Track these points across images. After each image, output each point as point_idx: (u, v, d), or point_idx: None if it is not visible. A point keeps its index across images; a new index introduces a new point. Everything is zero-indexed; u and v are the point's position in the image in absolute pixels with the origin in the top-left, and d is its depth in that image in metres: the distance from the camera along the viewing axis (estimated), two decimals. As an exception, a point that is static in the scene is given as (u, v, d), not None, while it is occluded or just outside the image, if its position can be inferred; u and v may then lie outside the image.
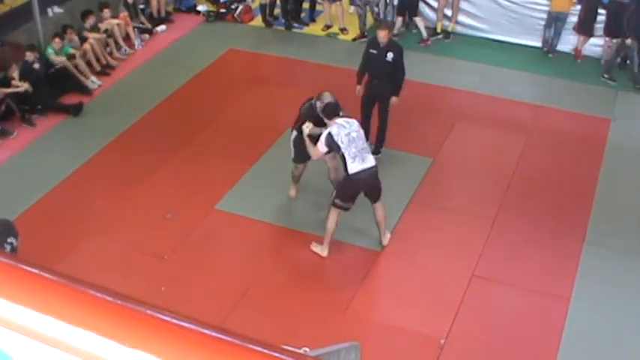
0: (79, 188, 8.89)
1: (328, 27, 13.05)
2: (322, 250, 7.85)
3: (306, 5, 13.54)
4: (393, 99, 9.15)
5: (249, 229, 8.28)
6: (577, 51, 12.08)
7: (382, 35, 9.03)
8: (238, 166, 9.26)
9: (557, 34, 12.10)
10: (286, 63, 11.98)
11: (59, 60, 10.84)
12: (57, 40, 10.89)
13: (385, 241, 7.97)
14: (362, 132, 7.49)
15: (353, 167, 7.28)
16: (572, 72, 11.85)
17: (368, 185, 7.53)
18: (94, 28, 11.65)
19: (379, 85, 9.15)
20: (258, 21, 13.34)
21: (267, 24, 13.14)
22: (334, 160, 8.09)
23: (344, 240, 8.08)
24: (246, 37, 12.87)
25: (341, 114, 7.52)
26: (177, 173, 9.17)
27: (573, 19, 11.98)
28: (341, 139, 7.23)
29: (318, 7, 13.44)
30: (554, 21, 11.98)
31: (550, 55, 12.15)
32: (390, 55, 9.01)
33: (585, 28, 11.89)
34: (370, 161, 7.37)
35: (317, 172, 9.23)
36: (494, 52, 12.29)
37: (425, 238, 8.26)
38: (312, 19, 13.35)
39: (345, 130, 7.28)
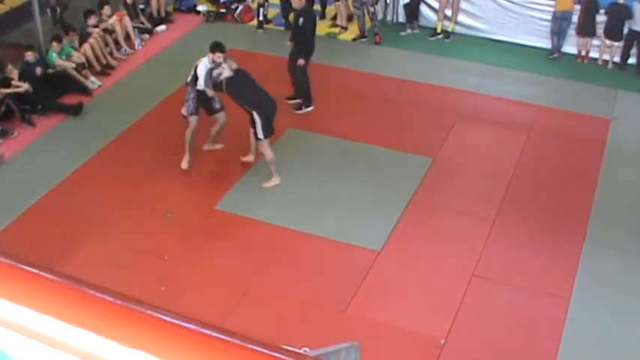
0: (79, 188, 8.89)
1: (334, 18, 13.13)
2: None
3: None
4: (300, 60, 10.09)
5: (249, 229, 8.29)
6: (580, 55, 12.05)
7: (294, 0, 10.10)
8: (238, 166, 9.27)
9: (563, 34, 12.09)
10: (286, 63, 11.93)
11: (64, 64, 10.84)
12: (55, 43, 10.87)
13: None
14: None
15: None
16: (572, 72, 11.86)
17: None
18: (96, 28, 11.65)
19: (293, 47, 10.24)
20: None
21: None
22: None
23: (344, 240, 8.09)
24: (246, 37, 12.87)
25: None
26: (178, 173, 9.16)
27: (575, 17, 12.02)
28: None
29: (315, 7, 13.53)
30: (560, 21, 11.96)
31: (556, 55, 12.12)
32: (300, 20, 9.97)
33: (586, 30, 11.90)
34: None
35: (318, 173, 9.24)
36: (494, 52, 12.29)
37: (425, 238, 8.26)
38: (323, 17, 13.40)
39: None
